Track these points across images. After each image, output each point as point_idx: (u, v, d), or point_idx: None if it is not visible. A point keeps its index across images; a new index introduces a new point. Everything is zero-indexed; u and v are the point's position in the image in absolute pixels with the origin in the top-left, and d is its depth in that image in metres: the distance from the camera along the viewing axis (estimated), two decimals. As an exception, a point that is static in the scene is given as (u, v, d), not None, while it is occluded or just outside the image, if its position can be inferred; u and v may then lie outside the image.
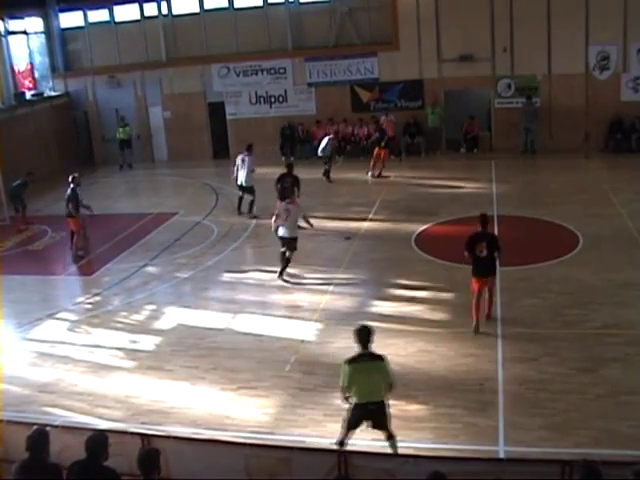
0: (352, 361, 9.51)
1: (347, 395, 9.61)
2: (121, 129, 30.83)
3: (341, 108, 29.21)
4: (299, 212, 17.07)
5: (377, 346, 13.04)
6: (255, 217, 21.78)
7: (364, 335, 9.58)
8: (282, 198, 19.83)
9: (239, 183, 22.12)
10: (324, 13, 29.20)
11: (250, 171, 21.76)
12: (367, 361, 9.48)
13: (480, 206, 20.66)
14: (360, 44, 28.83)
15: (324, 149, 25.13)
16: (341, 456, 8.05)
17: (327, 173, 25.36)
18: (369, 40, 28.86)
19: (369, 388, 9.42)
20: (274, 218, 17.00)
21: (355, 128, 28.94)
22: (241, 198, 22.29)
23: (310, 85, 29.55)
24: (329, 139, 25.27)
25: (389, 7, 27.99)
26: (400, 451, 9.40)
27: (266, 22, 29.74)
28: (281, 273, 16.95)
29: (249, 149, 22.25)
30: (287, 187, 20.18)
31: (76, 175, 20.38)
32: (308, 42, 29.72)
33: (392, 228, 17.94)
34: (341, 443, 9.60)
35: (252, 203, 22.01)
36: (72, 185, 19.97)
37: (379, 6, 28.39)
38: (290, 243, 16.83)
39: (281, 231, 16.85)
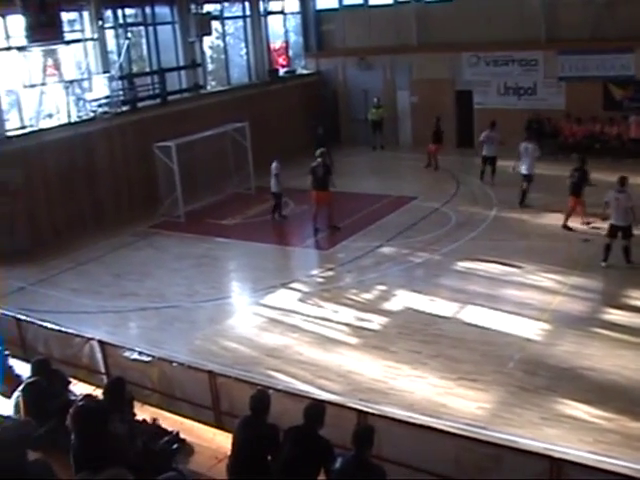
0: None
1: None
2: (374, 110, 31.38)
3: (591, 105, 27.79)
4: (628, 200, 16.81)
5: (604, 355, 12.75)
6: (526, 206, 21.64)
7: None
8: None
9: (523, 172, 21.78)
10: (580, 4, 27.83)
11: (533, 159, 21.68)
12: None
13: None
14: (617, 39, 27.31)
15: None
16: (554, 463, 7.91)
17: None
18: (627, 34, 27.18)
19: None
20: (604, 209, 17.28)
21: (605, 127, 27.67)
22: (525, 190, 21.81)
23: (561, 79, 28.53)
24: None
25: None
26: (616, 469, 8.96)
27: (519, 12, 28.94)
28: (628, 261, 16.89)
29: (530, 138, 22.46)
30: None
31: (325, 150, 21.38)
32: (561, 34, 28.56)
33: (638, 234, 16.99)
34: None
35: (524, 192, 21.77)
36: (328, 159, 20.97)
37: (641, -2, 26.73)
38: (625, 231, 16.78)
39: (614, 219, 16.84)
